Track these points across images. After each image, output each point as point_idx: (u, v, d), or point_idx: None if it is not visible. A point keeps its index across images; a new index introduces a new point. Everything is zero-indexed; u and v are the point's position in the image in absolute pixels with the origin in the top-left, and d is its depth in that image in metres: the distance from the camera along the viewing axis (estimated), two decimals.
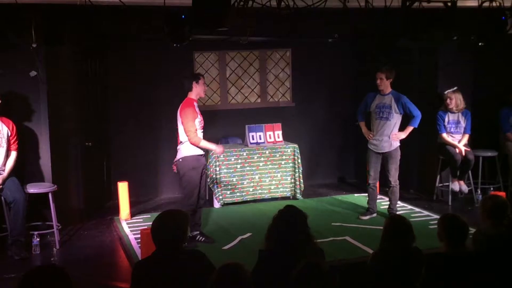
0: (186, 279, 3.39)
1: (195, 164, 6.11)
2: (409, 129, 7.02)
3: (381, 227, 4.05)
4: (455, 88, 7.65)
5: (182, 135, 6.13)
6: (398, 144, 7.07)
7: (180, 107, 6.15)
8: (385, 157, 7.11)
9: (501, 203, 4.20)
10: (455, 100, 7.60)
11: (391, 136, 6.98)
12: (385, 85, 6.99)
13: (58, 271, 2.77)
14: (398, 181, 7.11)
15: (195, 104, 6.17)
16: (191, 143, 6.05)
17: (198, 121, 6.11)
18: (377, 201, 7.96)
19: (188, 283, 3.38)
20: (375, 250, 4.05)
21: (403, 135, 7.03)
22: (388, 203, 7.25)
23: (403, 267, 3.82)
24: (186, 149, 6.10)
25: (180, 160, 6.15)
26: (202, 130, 6.23)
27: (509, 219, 4.17)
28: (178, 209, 5.25)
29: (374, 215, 7.24)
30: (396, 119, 6.98)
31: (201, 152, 6.21)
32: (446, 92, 7.66)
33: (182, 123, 6.05)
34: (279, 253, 3.62)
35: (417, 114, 6.96)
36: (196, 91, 6.17)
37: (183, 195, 6.38)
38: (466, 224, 3.81)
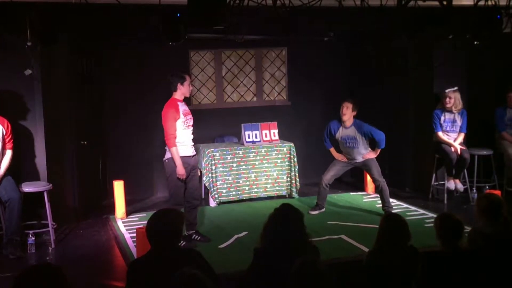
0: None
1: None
2: (378, 150, 7.20)
3: (377, 226, 4.07)
4: (455, 88, 7.61)
5: None
6: (368, 151, 7.25)
7: (163, 108, 6.09)
8: (364, 166, 7.30)
9: (496, 201, 4.20)
10: (454, 100, 7.57)
11: (363, 157, 7.19)
12: (349, 115, 7.10)
13: (54, 270, 2.77)
14: (383, 179, 7.18)
15: (179, 103, 6.06)
16: (166, 144, 6.02)
17: (182, 121, 6.03)
18: (373, 200, 7.99)
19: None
20: (371, 249, 4.07)
21: (373, 155, 7.20)
22: (381, 201, 7.26)
23: (399, 265, 3.83)
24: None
25: (166, 160, 6.13)
26: (190, 129, 6.15)
27: (504, 217, 4.18)
28: (173, 207, 5.28)
29: (323, 210, 7.39)
30: (362, 143, 7.16)
31: (189, 154, 6.14)
32: (446, 91, 7.59)
33: (163, 124, 6.02)
34: (275, 252, 3.62)
35: (380, 138, 7.07)
36: (181, 92, 6.08)
37: (168, 196, 6.35)
38: (461, 222, 3.83)
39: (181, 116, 6.03)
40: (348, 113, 7.08)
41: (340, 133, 7.21)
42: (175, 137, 5.98)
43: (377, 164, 7.22)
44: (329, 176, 7.33)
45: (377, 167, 7.20)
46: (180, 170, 5.97)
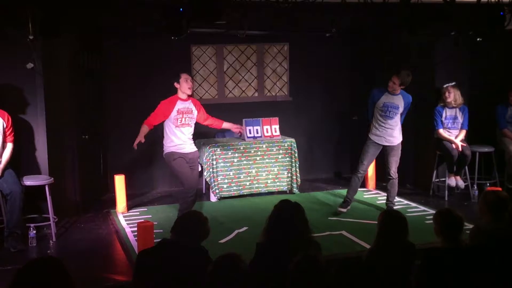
0: (187, 272, 3.44)
1: (175, 156, 6.34)
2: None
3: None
4: (454, 82, 7.64)
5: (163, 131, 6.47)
6: (401, 139, 7.07)
7: None
8: (386, 150, 7.08)
9: (503, 197, 4.15)
10: (454, 94, 7.59)
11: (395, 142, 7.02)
12: (396, 89, 6.94)
13: (56, 263, 2.77)
14: (397, 174, 7.10)
15: (179, 101, 6.39)
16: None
17: (174, 118, 6.33)
18: (373, 196, 7.99)
19: (188, 276, 3.42)
20: (371, 246, 4.07)
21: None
22: (386, 196, 7.24)
23: (399, 261, 3.84)
24: (165, 145, 6.45)
25: (164, 155, 6.48)
26: (185, 128, 6.39)
27: (510, 214, 4.14)
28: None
29: (349, 207, 7.22)
30: (399, 118, 7.03)
31: (184, 152, 6.37)
32: (445, 86, 7.64)
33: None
34: (277, 246, 3.62)
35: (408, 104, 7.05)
36: (180, 90, 6.44)
37: (180, 183, 6.57)
38: (461, 218, 3.81)
39: (174, 113, 6.30)
40: (395, 87, 6.90)
41: (384, 99, 6.95)
42: (151, 124, 6.44)
43: (399, 159, 7.05)
44: (365, 163, 7.14)
45: (397, 162, 7.03)
46: (135, 142, 6.36)
